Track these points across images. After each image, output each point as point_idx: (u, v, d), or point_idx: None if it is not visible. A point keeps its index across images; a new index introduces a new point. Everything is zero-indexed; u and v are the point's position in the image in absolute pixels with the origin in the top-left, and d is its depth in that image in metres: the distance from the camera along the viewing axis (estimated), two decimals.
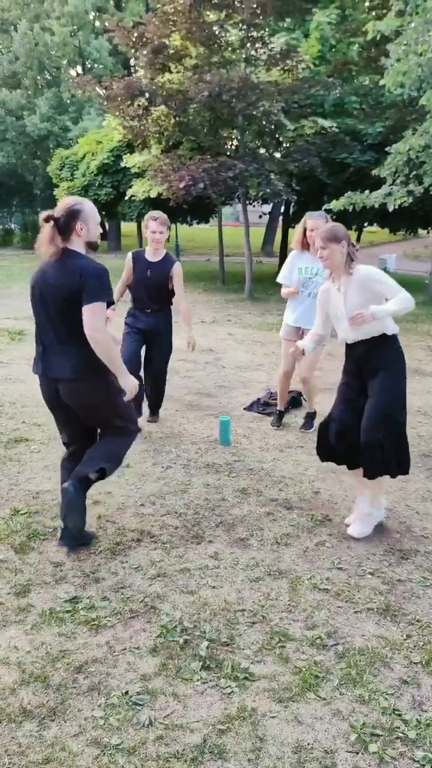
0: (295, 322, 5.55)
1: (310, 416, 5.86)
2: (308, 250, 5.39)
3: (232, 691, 2.53)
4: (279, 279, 5.65)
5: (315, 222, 5.23)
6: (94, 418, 3.56)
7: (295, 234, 5.61)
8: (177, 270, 5.41)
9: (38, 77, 32.05)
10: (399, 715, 2.43)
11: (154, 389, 5.77)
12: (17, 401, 6.27)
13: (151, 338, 5.51)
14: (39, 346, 3.43)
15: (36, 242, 3.30)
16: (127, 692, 2.51)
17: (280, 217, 21.40)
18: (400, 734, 2.34)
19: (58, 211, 3.27)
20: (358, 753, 2.26)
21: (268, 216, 27.92)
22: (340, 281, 3.69)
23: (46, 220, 3.24)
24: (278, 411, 5.94)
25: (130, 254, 5.48)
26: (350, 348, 3.80)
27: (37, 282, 3.37)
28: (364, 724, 2.38)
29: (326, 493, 4.46)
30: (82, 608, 3.05)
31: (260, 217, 25.42)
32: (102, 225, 33.96)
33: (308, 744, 2.29)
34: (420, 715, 2.43)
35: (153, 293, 5.40)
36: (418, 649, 2.82)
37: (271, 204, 23.35)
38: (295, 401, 6.46)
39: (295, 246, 5.54)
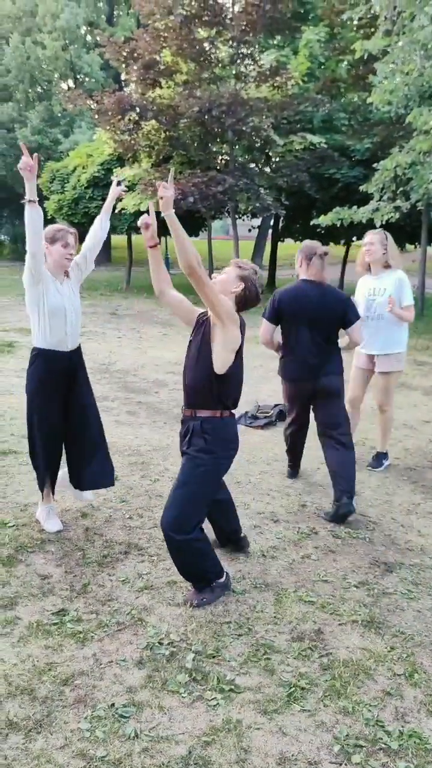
0: (363, 349, 5.16)
1: (381, 456, 5.37)
2: (369, 270, 5.13)
3: (218, 703, 2.55)
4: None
5: (371, 237, 5.04)
6: None
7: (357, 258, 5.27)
8: None
9: (30, 90, 32.18)
10: (382, 726, 2.47)
11: None
12: (5, 413, 6.27)
13: None
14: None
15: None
16: (113, 704, 2.53)
17: (270, 231, 21.55)
18: (383, 745, 2.37)
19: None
20: (341, 764, 2.29)
21: (257, 230, 28.11)
22: None
23: None
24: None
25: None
26: None
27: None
28: (347, 735, 2.41)
29: (312, 506, 4.50)
30: (69, 621, 3.06)
31: (249, 230, 25.55)
32: None
33: (292, 755, 2.32)
34: (402, 727, 2.46)
35: None
36: (401, 661, 2.86)
37: (261, 218, 23.52)
38: (282, 414, 6.50)
39: (357, 269, 5.26)
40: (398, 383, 8.32)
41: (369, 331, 5.02)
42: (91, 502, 4.35)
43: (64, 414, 3.84)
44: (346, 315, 4.31)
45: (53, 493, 4.03)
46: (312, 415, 4.57)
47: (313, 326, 4.32)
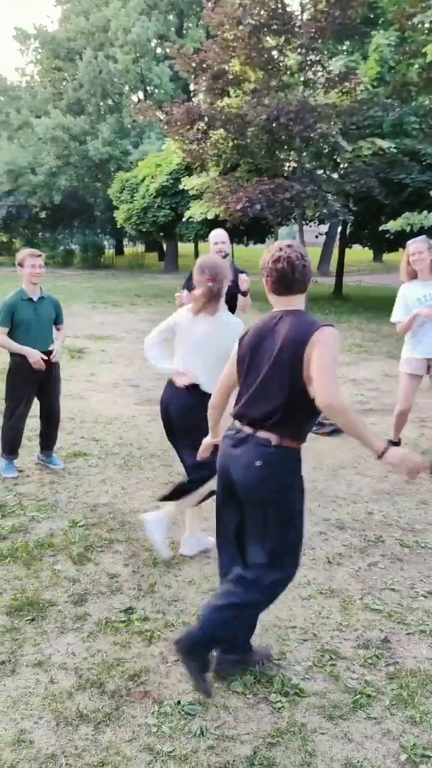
0: (423, 354, 5.22)
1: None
2: (416, 278, 5.21)
3: (282, 706, 2.56)
4: (394, 318, 5.30)
5: (418, 246, 5.13)
6: None
7: (401, 266, 5.37)
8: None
9: (101, 103, 33.04)
10: None
11: None
12: (76, 417, 6.45)
13: None
14: None
15: None
16: (179, 702, 2.57)
17: (337, 237, 21.40)
18: None
19: None
20: None
21: (324, 236, 27.92)
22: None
23: None
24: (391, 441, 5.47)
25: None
26: None
27: None
28: (414, 744, 2.38)
29: (379, 514, 4.44)
30: (137, 619, 3.13)
31: (317, 237, 25.43)
32: (159, 246, 34.72)
33: (358, 762, 2.30)
34: None
35: None
36: None
37: (328, 224, 23.36)
38: (338, 430, 6.42)
39: (403, 278, 5.32)
40: None
41: (430, 335, 5.14)
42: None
43: None
44: None
45: None
46: None
47: None
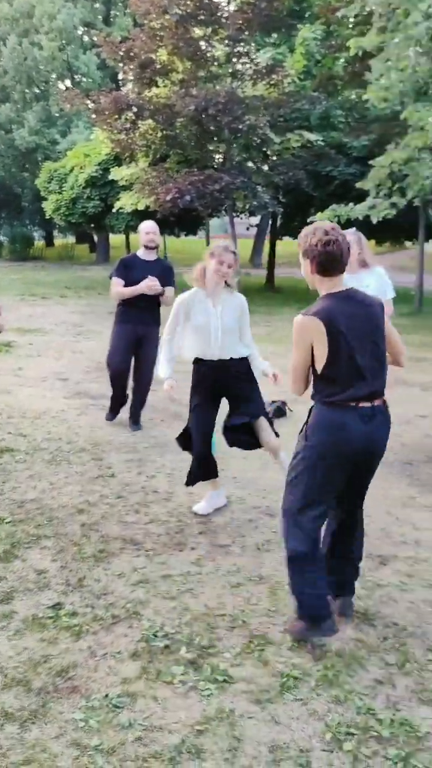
0: None
1: None
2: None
3: (211, 693, 2.58)
4: None
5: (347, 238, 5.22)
6: None
7: None
8: None
9: (27, 91, 32.20)
10: (373, 714, 2.49)
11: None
12: (3, 412, 6.29)
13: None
14: None
15: None
16: (107, 695, 2.55)
17: (268, 229, 21.59)
18: (374, 733, 2.39)
19: None
20: (332, 751, 2.31)
21: (256, 228, 28.13)
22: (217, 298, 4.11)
23: None
24: None
25: None
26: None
27: None
28: (339, 723, 2.43)
29: None
30: (65, 614, 3.09)
31: (248, 229, 25.60)
32: (90, 237, 34.18)
33: (284, 743, 2.34)
34: (394, 715, 2.49)
35: None
36: (393, 651, 2.88)
37: (260, 216, 23.55)
38: (279, 411, 6.52)
39: None
40: (396, 378, 8.34)
41: None
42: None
43: None
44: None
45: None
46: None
47: None
